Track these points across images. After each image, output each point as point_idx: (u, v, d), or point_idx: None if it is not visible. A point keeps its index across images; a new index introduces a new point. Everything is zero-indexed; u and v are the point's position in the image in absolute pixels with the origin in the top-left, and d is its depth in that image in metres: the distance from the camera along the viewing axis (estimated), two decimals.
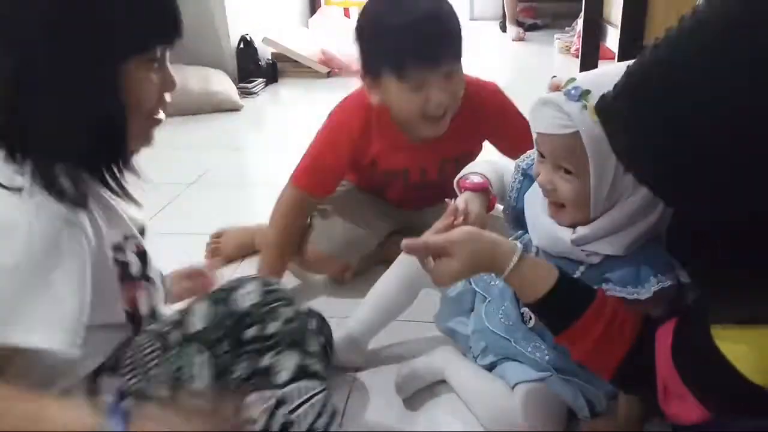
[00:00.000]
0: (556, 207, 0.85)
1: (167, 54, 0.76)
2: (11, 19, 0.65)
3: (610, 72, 0.78)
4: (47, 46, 0.65)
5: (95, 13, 0.67)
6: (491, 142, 1.37)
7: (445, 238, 0.79)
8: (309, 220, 1.38)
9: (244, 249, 1.51)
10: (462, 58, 1.19)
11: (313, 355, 0.81)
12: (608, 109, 0.66)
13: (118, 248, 0.76)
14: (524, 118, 1.24)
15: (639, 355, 0.74)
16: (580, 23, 3.03)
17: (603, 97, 0.66)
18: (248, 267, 1.47)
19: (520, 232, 1.00)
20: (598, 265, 0.84)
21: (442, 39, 1.13)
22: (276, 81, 3.18)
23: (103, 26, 0.67)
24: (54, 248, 0.64)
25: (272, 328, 0.78)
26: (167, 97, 0.78)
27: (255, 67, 3.07)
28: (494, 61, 3.65)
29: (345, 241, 1.36)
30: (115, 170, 0.75)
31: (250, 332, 0.78)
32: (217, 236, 1.52)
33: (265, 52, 3.20)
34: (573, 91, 0.77)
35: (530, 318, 0.95)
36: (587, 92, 0.76)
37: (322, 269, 1.40)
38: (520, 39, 3.94)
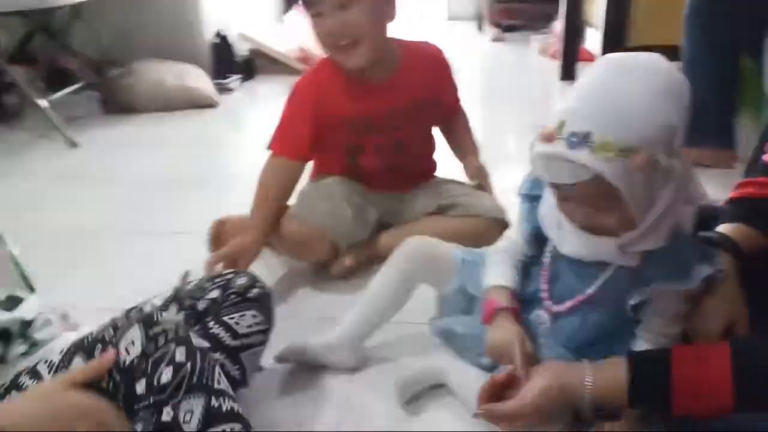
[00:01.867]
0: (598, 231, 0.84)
1: None
2: None
3: (590, 88, 0.79)
4: None
5: None
6: (436, 94, 1.42)
7: (521, 406, 0.81)
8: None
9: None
10: None
11: (222, 393, 0.71)
12: None
13: None
14: (456, 85, 1.49)
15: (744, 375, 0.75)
16: (558, 25, 3.05)
17: None
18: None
19: (548, 248, 0.95)
20: (634, 266, 0.84)
21: None
22: (252, 77, 3.12)
23: None
24: None
25: (164, 377, 0.69)
26: None
27: (231, 63, 3.01)
28: (472, 61, 3.65)
29: (331, 215, 1.32)
30: None
31: (140, 388, 0.69)
32: (221, 223, 1.44)
33: (241, 48, 3.14)
34: (574, 139, 0.75)
35: (546, 324, 0.93)
36: (588, 135, 0.74)
37: (305, 250, 1.35)
38: (498, 40, 3.96)
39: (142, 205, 1.77)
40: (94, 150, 2.25)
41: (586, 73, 0.81)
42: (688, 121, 0.80)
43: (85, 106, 2.67)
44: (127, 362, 0.71)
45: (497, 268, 0.97)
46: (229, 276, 0.96)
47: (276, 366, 1.07)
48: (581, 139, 0.74)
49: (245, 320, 0.91)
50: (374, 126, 1.35)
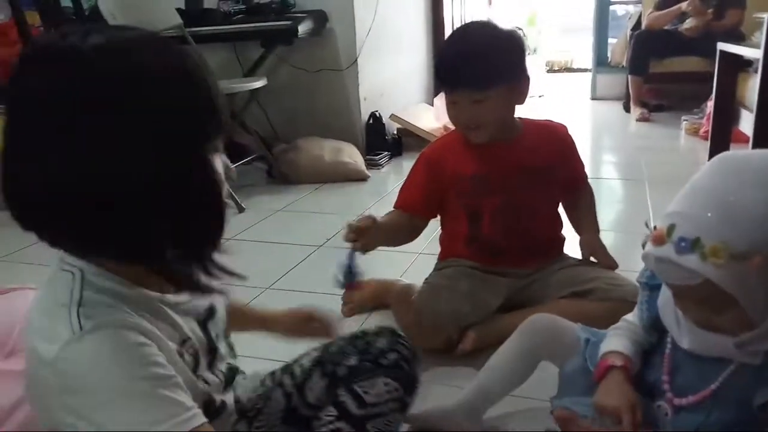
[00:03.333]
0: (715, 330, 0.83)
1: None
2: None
3: (701, 190, 0.78)
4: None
5: (172, 108, 0.63)
6: (555, 163, 1.47)
7: None
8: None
9: (377, 300, 1.62)
10: (500, 89, 1.35)
11: None
12: None
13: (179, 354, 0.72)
14: (582, 161, 1.56)
15: None
16: (709, 105, 2.97)
17: None
18: (377, 318, 1.58)
19: (668, 338, 0.94)
20: (759, 363, 0.82)
21: (463, 69, 1.35)
22: (400, 154, 3.36)
23: (181, 119, 0.64)
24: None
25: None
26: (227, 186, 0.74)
27: (382, 141, 3.28)
28: (617, 140, 3.62)
29: (449, 312, 1.40)
30: (210, 261, 0.71)
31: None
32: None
33: (391, 128, 3.42)
34: (684, 245, 0.75)
35: (666, 414, 0.91)
36: (697, 241, 0.74)
37: (423, 341, 1.39)
38: (645, 119, 3.88)
39: (297, 267, 1.98)
40: (259, 214, 2.54)
41: (698, 173, 0.82)
42: None
43: (252, 175, 3.06)
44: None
45: (613, 340, 0.97)
46: (369, 338, 0.97)
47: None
48: (690, 245, 0.75)
49: (376, 388, 0.90)
50: (490, 186, 1.43)
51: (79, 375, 0.61)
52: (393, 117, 3.39)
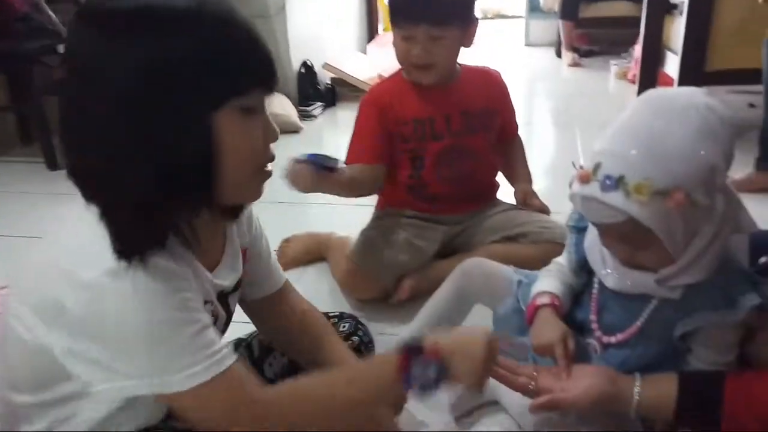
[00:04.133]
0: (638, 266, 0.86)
1: (265, 103, 0.71)
2: (107, 63, 0.61)
3: (627, 129, 0.79)
4: (139, 90, 0.61)
5: (189, 56, 0.62)
6: (492, 108, 1.49)
7: (579, 398, 0.83)
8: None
9: (310, 255, 1.60)
10: (454, 28, 1.35)
11: None
12: None
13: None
14: (514, 111, 1.57)
15: None
16: (637, 49, 3.02)
17: None
18: (313, 272, 1.55)
19: (595, 279, 0.96)
20: (678, 298, 0.84)
21: (426, 5, 1.33)
22: (334, 104, 3.28)
23: (197, 70, 0.62)
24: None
25: None
26: (270, 149, 0.73)
27: (314, 91, 3.19)
28: (549, 86, 3.65)
29: (385, 263, 1.39)
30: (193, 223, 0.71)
31: None
32: (287, 240, 1.62)
33: (324, 77, 3.31)
34: (608, 182, 0.76)
35: (595, 351, 0.94)
36: (622, 178, 0.75)
37: (357, 291, 1.43)
38: (576, 65, 3.93)
39: None
40: None
41: (625, 111, 0.82)
42: (731, 158, 0.79)
43: None
44: None
45: (544, 281, 0.99)
46: (331, 321, 1.00)
47: None
48: (615, 182, 0.75)
49: None
50: (432, 130, 1.42)
51: (117, 309, 0.62)
52: (326, 66, 3.29)
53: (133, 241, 0.63)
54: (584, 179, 0.79)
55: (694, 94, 0.80)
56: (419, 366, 0.74)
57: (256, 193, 0.74)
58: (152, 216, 0.65)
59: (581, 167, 0.81)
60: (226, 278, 0.80)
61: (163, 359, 0.65)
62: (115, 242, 0.63)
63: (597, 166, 0.78)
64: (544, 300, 0.95)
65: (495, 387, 1.04)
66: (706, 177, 0.76)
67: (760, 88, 1.88)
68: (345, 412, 0.77)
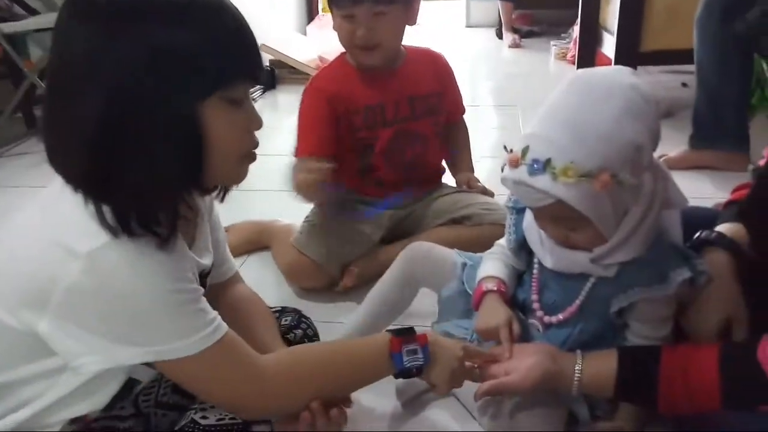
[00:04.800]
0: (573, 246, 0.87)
1: (249, 92, 0.75)
2: (102, 59, 0.64)
3: (554, 111, 0.80)
4: (128, 81, 0.64)
5: (178, 50, 0.65)
6: (439, 91, 1.47)
7: (522, 380, 0.84)
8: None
9: (252, 244, 1.55)
10: (398, 3, 1.31)
11: None
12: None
13: None
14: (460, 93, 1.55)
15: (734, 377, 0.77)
16: (576, 30, 3.05)
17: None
18: (255, 261, 1.51)
19: (535, 259, 0.97)
20: (613, 276, 0.86)
21: None
22: (274, 87, 3.20)
23: (185, 62, 0.65)
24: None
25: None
26: (255, 136, 0.77)
27: None
28: (490, 67, 3.67)
29: (329, 250, 1.37)
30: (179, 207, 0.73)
31: None
32: (226, 229, 1.52)
33: (262, 59, 3.22)
34: (536, 166, 0.77)
35: (538, 330, 0.96)
36: (549, 162, 0.76)
37: (302, 281, 1.40)
38: (516, 46, 3.96)
39: None
40: None
41: (553, 93, 0.83)
42: (658, 136, 0.81)
43: None
44: None
45: (488, 264, 1.00)
46: (275, 315, 1.00)
47: None
48: (542, 166, 0.76)
49: None
50: (385, 116, 1.39)
51: (114, 278, 0.64)
52: (264, 47, 3.19)
53: (126, 220, 0.65)
54: (514, 163, 0.79)
55: (618, 73, 0.81)
56: (410, 349, 0.83)
57: (241, 176, 0.78)
58: (143, 198, 0.67)
59: (511, 151, 0.81)
60: (204, 258, 0.84)
61: (170, 326, 0.68)
62: (108, 221, 0.65)
63: (525, 150, 0.78)
64: (490, 285, 0.96)
65: None
66: (631, 157, 0.77)
67: (692, 68, 1.93)
68: (340, 380, 0.84)
